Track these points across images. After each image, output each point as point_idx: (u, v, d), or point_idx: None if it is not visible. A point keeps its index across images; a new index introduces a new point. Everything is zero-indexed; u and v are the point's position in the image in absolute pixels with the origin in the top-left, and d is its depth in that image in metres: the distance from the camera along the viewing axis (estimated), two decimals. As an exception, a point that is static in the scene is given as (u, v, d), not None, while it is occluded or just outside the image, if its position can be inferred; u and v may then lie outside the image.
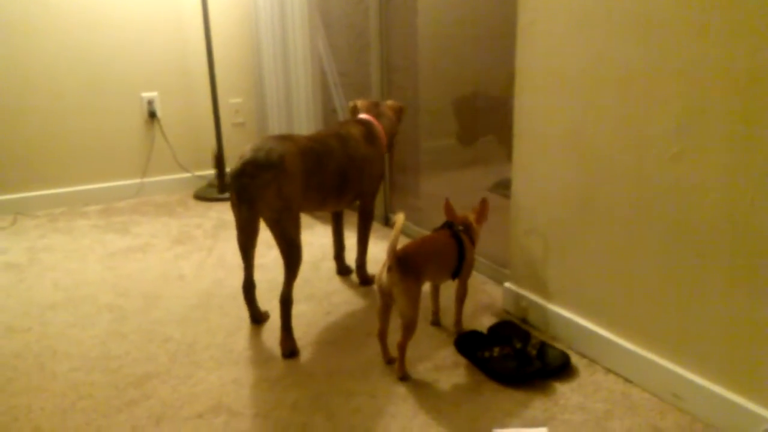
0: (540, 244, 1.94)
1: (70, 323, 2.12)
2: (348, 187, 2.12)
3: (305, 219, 3.20)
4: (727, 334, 1.43)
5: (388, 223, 3.10)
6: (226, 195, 3.64)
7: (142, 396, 1.69)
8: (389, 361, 1.80)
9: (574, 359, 1.80)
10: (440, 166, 2.36)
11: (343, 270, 2.50)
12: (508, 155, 2.01)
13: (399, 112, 2.42)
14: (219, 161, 1.74)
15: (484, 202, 1.97)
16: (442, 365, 1.80)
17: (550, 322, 1.95)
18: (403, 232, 1.64)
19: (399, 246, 1.66)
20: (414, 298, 1.67)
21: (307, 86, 3.07)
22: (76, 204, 3.60)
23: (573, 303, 1.86)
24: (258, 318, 2.11)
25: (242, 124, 4.00)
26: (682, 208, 1.47)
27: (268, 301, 2.20)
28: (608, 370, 1.74)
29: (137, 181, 3.77)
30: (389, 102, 2.41)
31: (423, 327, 1.90)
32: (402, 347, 1.71)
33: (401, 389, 1.69)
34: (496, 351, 1.78)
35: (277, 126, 3.55)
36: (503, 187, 1.94)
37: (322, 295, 2.29)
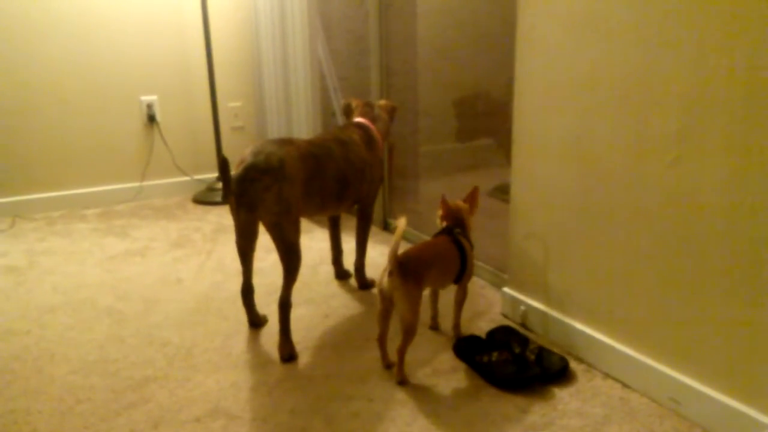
0: (539, 248, 1.95)
1: (68, 326, 2.12)
2: (348, 192, 2.13)
3: (304, 223, 3.19)
4: (726, 340, 1.43)
5: (387, 227, 3.10)
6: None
7: (141, 400, 1.69)
8: (388, 365, 1.80)
9: (573, 364, 1.80)
10: (440, 170, 2.36)
11: (341, 274, 2.50)
12: (507, 159, 2.02)
13: (392, 111, 2.42)
14: (224, 169, 1.74)
15: (474, 191, 1.98)
16: (441, 370, 1.80)
17: (548, 326, 1.95)
18: (403, 236, 1.64)
19: (400, 251, 1.66)
20: (414, 303, 1.67)
21: (307, 90, 3.07)
22: (75, 207, 3.60)
23: (572, 308, 1.86)
24: (256, 322, 2.11)
25: (241, 128, 4.01)
26: (681, 213, 1.48)
27: (267, 305, 2.20)
28: (607, 375, 1.74)
29: (136, 184, 3.77)
30: (382, 102, 2.42)
31: (422, 331, 1.90)
32: (401, 352, 1.71)
33: (400, 394, 1.69)
34: (495, 356, 1.78)
35: (276, 130, 3.55)
36: (502, 191, 1.94)
37: (321, 299, 2.29)
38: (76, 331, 2.08)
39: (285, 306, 1.90)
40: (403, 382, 1.73)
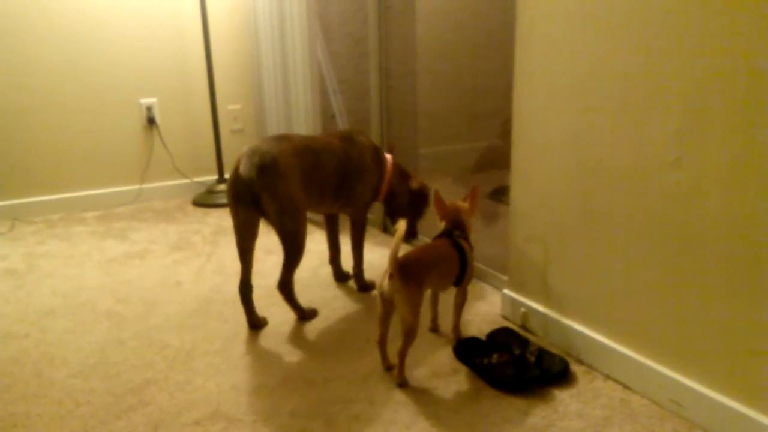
0: (539, 250, 1.94)
1: (68, 330, 2.12)
2: (345, 188, 2.16)
3: (304, 225, 3.19)
4: (727, 341, 1.43)
5: (387, 230, 3.09)
6: (224, 201, 3.65)
7: (140, 403, 1.68)
8: (388, 367, 1.80)
9: (573, 366, 1.79)
10: (439, 172, 2.36)
11: (340, 276, 2.50)
12: (507, 162, 2.02)
13: (417, 191, 2.37)
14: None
15: (474, 191, 1.98)
16: (441, 372, 1.80)
17: (548, 328, 1.94)
18: (403, 239, 1.64)
19: (400, 253, 1.66)
20: (415, 306, 1.67)
21: (306, 93, 3.07)
22: (74, 210, 3.59)
23: (572, 309, 1.86)
24: (256, 323, 2.11)
25: (241, 131, 4.01)
26: (682, 214, 1.47)
27: (267, 307, 2.20)
28: (607, 377, 1.74)
29: (136, 187, 3.77)
30: (417, 185, 2.37)
31: (422, 333, 1.90)
32: (402, 354, 1.71)
33: (400, 396, 1.69)
34: (495, 358, 1.78)
35: (276, 132, 3.54)
36: (502, 193, 1.94)
37: (321, 302, 2.29)
38: (76, 334, 2.08)
39: (284, 286, 2.02)
40: (403, 384, 1.72)
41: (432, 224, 2.18)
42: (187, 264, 2.72)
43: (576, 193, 1.76)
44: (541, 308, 1.97)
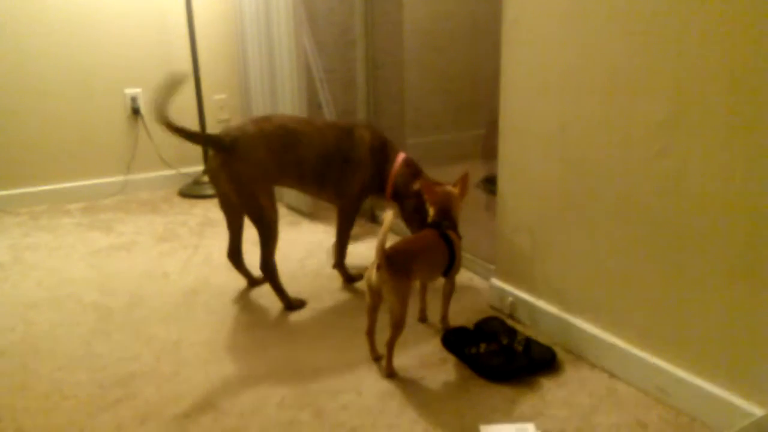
0: (526, 240, 1.95)
1: (54, 322, 2.10)
2: (329, 177, 2.18)
3: (292, 216, 3.19)
4: (712, 329, 1.45)
5: (375, 219, 3.09)
6: (211, 192, 3.63)
7: (128, 395, 1.68)
8: (377, 358, 1.80)
9: (560, 355, 1.80)
10: (427, 161, 2.36)
11: (348, 277, 2.42)
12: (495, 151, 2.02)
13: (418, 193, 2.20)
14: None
15: (465, 177, 1.97)
16: (429, 362, 1.81)
17: (536, 318, 1.95)
18: (391, 229, 1.63)
19: (388, 244, 1.66)
20: (403, 297, 1.67)
21: (293, 82, 3.05)
22: (59, 202, 3.56)
23: (559, 299, 1.87)
24: (253, 280, 2.28)
25: (227, 121, 3.98)
26: (666, 204, 1.48)
27: (254, 299, 2.20)
28: (594, 366, 1.75)
29: (121, 178, 3.74)
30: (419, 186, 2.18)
31: (410, 323, 1.90)
32: (390, 345, 1.71)
33: (389, 386, 1.69)
34: (483, 347, 1.79)
35: (262, 122, 3.53)
36: (490, 183, 1.94)
37: (308, 293, 2.28)
38: (62, 327, 2.07)
39: (266, 268, 2.08)
40: (391, 375, 1.73)
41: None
42: (174, 255, 2.70)
43: (562, 181, 1.77)
44: (528, 298, 1.98)
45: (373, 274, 1.68)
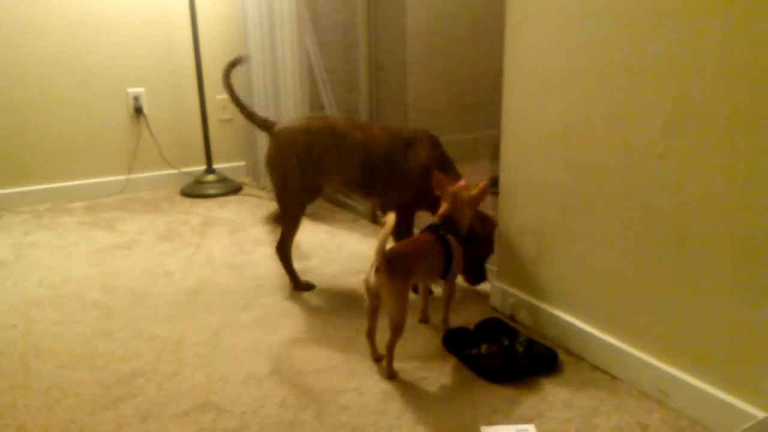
0: (528, 241, 1.95)
1: (55, 321, 2.10)
2: (375, 186, 2.15)
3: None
4: (714, 332, 1.44)
5: (376, 220, 3.09)
6: (213, 192, 3.64)
7: (128, 394, 1.68)
8: (377, 359, 1.80)
9: (561, 356, 1.80)
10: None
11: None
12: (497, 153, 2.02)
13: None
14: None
15: (485, 186, 1.89)
16: (430, 363, 1.81)
17: (537, 319, 1.95)
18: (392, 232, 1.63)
19: (387, 246, 1.65)
20: (402, 299, 1.67)
21: (295, 83, 3.06)
22: (61, 200, 3.56)
23: (560, 300, 1.87)
24: (303, 286, 2.29)
25: (229, 120, 3.98)
26: (669, 205, 1.48)
27: (256, 298, 2.20)
28: (595, 367, 1.75)
29: (123, 177, 3.74)
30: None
31: (411, 324, 1.90)
32: (390, 347, 1.70)
33: (389, 386, 1.69)
34: (484, 348, 1.79)
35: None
36: (492, 184, 1.94)
37: (310, 293, 2.28)
38: (63, 326, 2.07)
39: (280, 249, 2.17)
40: (392, 376, 1.72)
41: (422, 216, 2.18)
42: (175, 255, 2.70)
43: (564, 183, 1.77)
44: (530, 299, 1.98)
45: (371, 276, 1.67)
